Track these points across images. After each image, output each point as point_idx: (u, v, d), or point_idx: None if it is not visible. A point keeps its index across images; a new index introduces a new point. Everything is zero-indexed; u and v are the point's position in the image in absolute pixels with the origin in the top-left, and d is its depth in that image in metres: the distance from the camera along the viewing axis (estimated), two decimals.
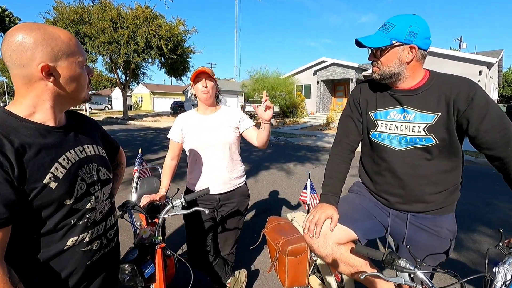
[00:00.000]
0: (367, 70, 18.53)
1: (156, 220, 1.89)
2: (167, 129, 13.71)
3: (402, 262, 0.91)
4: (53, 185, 0.77)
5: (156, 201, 1.63)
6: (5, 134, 0.72)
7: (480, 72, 13.51)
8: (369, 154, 1.34)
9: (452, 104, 1.08)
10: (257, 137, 1.71)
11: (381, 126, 1.25)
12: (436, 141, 1.12)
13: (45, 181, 0.76)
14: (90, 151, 0.94)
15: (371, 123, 1.28)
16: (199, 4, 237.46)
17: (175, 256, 1.44)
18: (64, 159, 0.83)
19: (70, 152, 0.86)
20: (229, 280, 1.97)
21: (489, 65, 13.88)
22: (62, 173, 0.80)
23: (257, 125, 1.67)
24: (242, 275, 2.09)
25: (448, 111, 1.09)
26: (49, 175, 0.77)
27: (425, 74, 1.18)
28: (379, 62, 1.16)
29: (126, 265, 1.16)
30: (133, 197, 2.05)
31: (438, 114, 1.11)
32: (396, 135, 1.20)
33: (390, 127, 1.22)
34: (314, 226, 1.23)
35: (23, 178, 0.72)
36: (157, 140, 10.83)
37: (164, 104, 39.89)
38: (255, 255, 2.69)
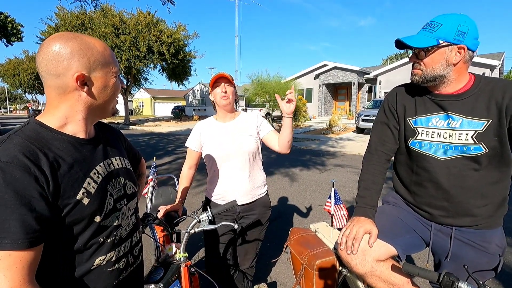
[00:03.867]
0: (368, 74, 18.54)
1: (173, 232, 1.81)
2: (169, 134, 13.71)
3: (463, 285, 0.83)
4: (85, 201, 0.74)
5: (172, 212, 1.55)
6: (40, 147, 0.69)
7: (483, 75, 13.49)
8: (407, 164, 1.26)
9: (504, 109, 1.01)
10: (279, 140, 1.63)
11: (421, 133, 1.17)
12: (486, 150, 1.05)
13: (78, 197, 0.72)
14: (117, 164, 0.90)
15: (410, 130, 1.21)
16: (199, 9, 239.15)
17: (199, 273, 1.35)
18: (95, 173, 0.79)
19: (100, 166, 0.82)
20: None
21: (492, 68, 13.90)
22: (94, 188, 0.77)
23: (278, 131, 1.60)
24: None
25: (500, 118, 1.02)
26: (82, 190, 0.74)
27: (470, 78, 1.11)
28: (422, 63, 1.09)
29: (152, 286, 1.07)
30: (149, 208, 1.97)
31: (488, 121, 1.03)
32: (439, 143, 1.13)
33: (432, 134, 1.14)
34: (352, 242, 1.15)
35: (58, 194, 0.68)
36: (160, 145, 10.75)
37: (165, 109, 39.96)
38: (272, 267, 2.60)
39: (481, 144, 1.05)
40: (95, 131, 0.89)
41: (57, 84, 0.72)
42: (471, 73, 1.13)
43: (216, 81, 1.59)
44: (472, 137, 1.06)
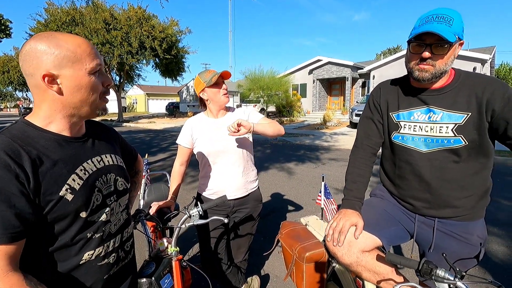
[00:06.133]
0: (362, 69, 18.62)
1: (165, 228, 1.83)
2: (164, 131, 13.60)
3: (440, 272, 0.87)
4: (69, 197, 0.75)
5: (165, 208, 1.57)
6: (23, 145, 0.71)
7: (474, 69, 13.64)
8: (391, 157, 1.29)
9: (485, 104, 1.03)
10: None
11: (404, 127, 1.20)
12: (466, 142, 1.08)
13: (61, 193, 0.74)
14: (108, 160, 0.91)
15: (393, 124, 1.24)
16: (192, 4, 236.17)
17: (191, 267, 1.38)
18: (81, 170, 0.80)
19: (87, 163, 0.83)
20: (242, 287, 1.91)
21: (483, 62, 14.04)
22: (79, 184, 0.78)
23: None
24: (254, 281, 2.04)
25: (480, 111, 1.05)
26: (66, 186, 0.75)
27: (451, 72, 1.14)
28: (436, 59, 1.03)
29: (144, 280, 1.10)
30: (141, 204, 1.99)
31: (468, 114, 1.07)
32: (421, 137, 1.16)
33: (414, 128, 1.17)
34: (338, 234, 1.18)
35: (39, 191, 0.70)
36: (154, 142, 10.71)
37: (159, 105, 39.68)
38: (265, 260, 2.64)
39: (461, 136, 1.08)
40: (86, 128, 0.90)
41: (33, 83, 0.74)
42: (452, 67, 1.16)
43: (217, 80, 1.59)
44: (452, 130, 1.09)
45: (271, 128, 1.61)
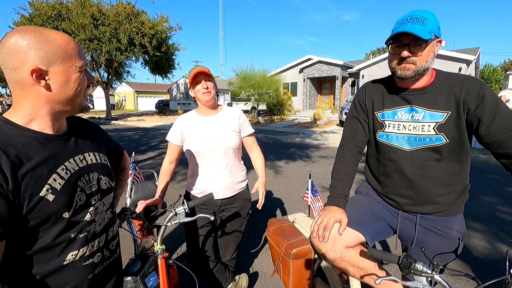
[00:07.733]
0: (352, 68, 18.82)
1: (152, 226, 1.82)
2: (153, 129, 13.39)
3: (419, 266, 0.89)
4: (50, 197, 0.73)
5: (152, 206, 1.56)
6: (1, 145, 0.68)
7: (460, 69, 13.99)
8: (375, 156, 1.32)
9: (462, 102, 1.08)
10: (251, 155, 1.85)
11: (388, 126, 1.23)
12: (447, 140, 1.12)
13: (41, 194, 0.71)
14: (91, 159, 0.89)
15: (378, 123, 1.27)
16: (182, 1, 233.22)
17: (177, 265, 1.38)
18: (63, 169, 0.78)
19: (69, 162, 0.81)
20: (229, 286, 1.92)
21: (468, 62, 14.40)
22: (60, 184, 0.76)
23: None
24: (242, 279, 2.05)
25: (458, 110, 1.09)
26: (46, 186, 0.72)
27: (432, 72, 1.17)
28: (416, 57, 1.08)
29: (129, 278, 1.09)
30: (128, 203, 1.97)
31: (448, 113, 1.11)
32: (405, 135, 1.19)
33: (398, 127, 1.21)
34: (323, 230, 1.20)
35: (18, 192, 0.68)
36: (143, 140, 10.57)
37: (148, 103, 39.13)
38: (253, 258, 2.66)
39: (442, 134, 1.12)
40: (68, 126, 0.88)
41: (15, 78, 0.71)
42: (433, 68, 1.19)
43: (196, 77, 1.57)
44: (433, 128, 1.13)
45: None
